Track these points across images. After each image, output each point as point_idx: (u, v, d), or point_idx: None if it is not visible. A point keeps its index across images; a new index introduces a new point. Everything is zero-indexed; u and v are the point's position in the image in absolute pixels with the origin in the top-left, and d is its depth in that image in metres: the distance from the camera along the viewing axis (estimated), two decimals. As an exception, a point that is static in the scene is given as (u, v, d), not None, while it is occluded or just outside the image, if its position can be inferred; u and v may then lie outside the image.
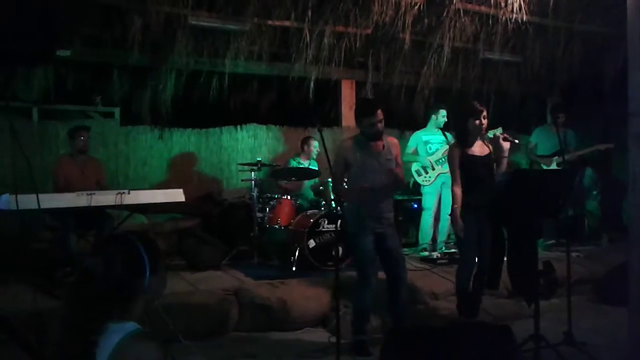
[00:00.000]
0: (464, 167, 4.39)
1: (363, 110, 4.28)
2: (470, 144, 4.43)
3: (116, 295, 1.65)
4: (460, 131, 4.54)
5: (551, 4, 6.06)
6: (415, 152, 6.70)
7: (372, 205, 4.18)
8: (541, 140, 7.12)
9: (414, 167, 6.67)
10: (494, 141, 4.42)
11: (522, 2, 6.02)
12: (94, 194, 4.51)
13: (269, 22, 6.55)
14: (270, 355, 4.29)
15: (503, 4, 6.12)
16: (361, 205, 4.18)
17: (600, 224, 7.72)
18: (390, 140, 4.35)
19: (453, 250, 6.60)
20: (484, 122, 4.37)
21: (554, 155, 6.88)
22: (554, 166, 6.88)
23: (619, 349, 3.80)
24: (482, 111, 4.37)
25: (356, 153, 4.20)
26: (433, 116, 6.74)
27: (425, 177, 6.62)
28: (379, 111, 4.14)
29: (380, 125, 4.16)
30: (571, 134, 7.11)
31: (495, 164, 4.44)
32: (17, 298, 4.33)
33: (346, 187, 4.50)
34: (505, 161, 4.41)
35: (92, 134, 5.91)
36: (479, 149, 4.45)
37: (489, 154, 4.46)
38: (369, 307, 4.30)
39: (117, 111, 7.56)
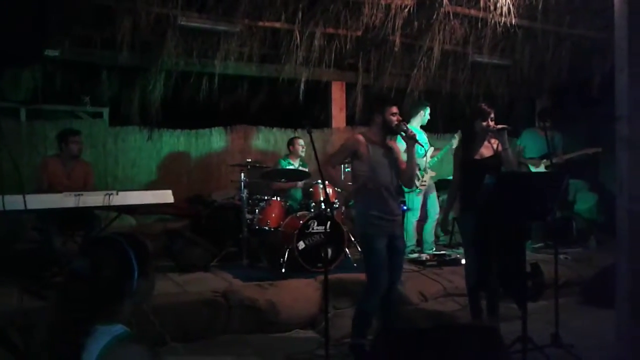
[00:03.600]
0: (467, 171, 4.32)
1: (383, 101, 4.28)
2: (476, 148, 4.35)
3: (104, 297, 1.63)
4: (467, 134, 4.46)
5: (540, 7, 6.10)
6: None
7: (384, 205, 4.04)
8: (529, 143, 7.16)
9: None
10: (498, 134, 4.29)
11: (511, 6, 6.06)
12: (82, 194, 4.48)
13: (260, 23, 6.55)
14: (258, 357, 4.27)
15: (492, 8, 6.15)
16: (372, 206, 4.03)
17: (589, 227, 7.77)
18: (393, 143, 4.29)
19: (443, 252, 6.63)
20: (492, 123, 4.28)
21: (542, 158, 6.93)
22: (542, 169, 6.92)
23: (606, 350, 3.83)
24: (490, 112, 4.29)
25: (369, 148, 4.06)
26: (422, 112, 6.57)
27: (420, 180, 6.53)
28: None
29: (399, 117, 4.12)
30: (559, 137, 7.16)
31: (500, 162, 4.32)
32: (3, 298, 4.29)
33: (350, 183, 4.36)
34: (509, 153, 4.30)
35: (81, 133, 5.85)
36: (486, 150, 4.37)
37: (495, 155, 4.35)
38: (375, 311, 4.13)
39: (105, 111, 7.52)
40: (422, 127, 6.60)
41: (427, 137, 6.57)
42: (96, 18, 6.13)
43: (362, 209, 4.11)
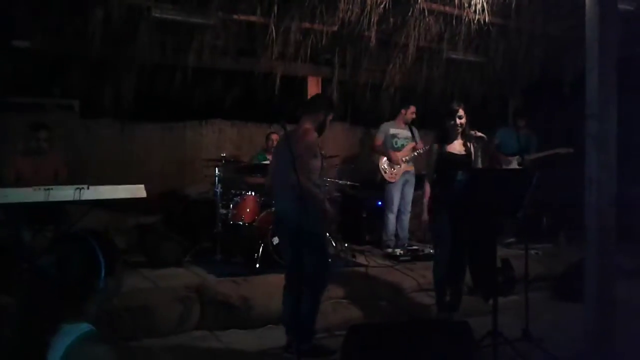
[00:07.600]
0: (441, 164, 4.57)
1: (330, 103, 4.41)
2: (449, 142, 4.64)
3: (70, 295, 1.60)
4: (440, 130, 4.75)
5: (513, 5, 6.15)
6: (382, 145, 6.76)
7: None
8: (504, 140, 7.23)
9: (382, 163, 6.71)
10: (476, 142, 4.68)
11: (485, 4, 6.09)
12: (52, 189, 4.40)
13: (234, 16, 6.47)
14: (231, 353, 4.26)
15: (467, 5, 6.18)
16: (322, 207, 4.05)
17: (559, 223, 7.88)
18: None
19: (415, 247, 6.67)
20: (459, 121, 4.58)
21: (514, 155, 7.01)
22: (514, 165, 7.01)
23: (575, 344, 3.90)
24: (457, 111, 4.59)
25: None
26: (403, 111, 6.89)
27: (391, 173, 6.67)
28: None
29: None
30: (534, 139, 7.25)
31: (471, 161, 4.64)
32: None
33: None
34: (478, 162, 4.71)
35: (50, 127, 5.69)
36: (459, 147, 4.64)
37: (468, 154, 4.64)
38: None
39: (76, 104, 7.38)
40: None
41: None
42: (67, 8, 5.99)
43: (318, 205, 3.98)
